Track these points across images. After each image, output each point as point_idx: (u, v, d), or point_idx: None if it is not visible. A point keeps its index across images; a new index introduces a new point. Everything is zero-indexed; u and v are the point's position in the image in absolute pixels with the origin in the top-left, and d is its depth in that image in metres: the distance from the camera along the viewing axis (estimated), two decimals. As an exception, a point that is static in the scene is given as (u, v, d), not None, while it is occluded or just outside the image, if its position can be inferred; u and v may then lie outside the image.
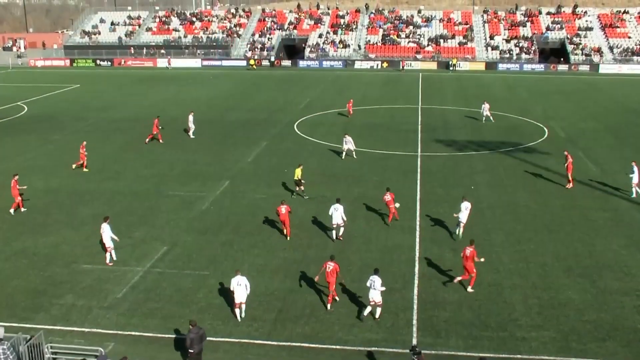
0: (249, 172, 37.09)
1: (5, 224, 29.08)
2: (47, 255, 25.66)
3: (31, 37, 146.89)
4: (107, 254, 24.92)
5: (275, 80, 78.55)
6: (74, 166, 38.17)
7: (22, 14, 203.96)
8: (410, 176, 36.21)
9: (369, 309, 20.66)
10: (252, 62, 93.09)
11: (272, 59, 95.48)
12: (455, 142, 44.64)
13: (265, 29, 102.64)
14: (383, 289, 20.42)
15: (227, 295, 22.02)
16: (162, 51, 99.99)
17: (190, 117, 46.71)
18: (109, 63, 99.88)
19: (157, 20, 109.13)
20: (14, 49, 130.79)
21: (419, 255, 25.45)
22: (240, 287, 20.59)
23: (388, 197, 28.61)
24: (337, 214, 26.53)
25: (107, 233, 24.79)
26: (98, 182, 35.45)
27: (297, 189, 32.49)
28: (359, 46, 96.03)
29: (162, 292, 22.48)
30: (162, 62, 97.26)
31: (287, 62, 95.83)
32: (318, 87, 71.49)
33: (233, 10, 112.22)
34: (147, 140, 44.87)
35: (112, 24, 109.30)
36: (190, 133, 46.55)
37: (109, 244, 24.83)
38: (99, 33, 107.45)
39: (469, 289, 22.44)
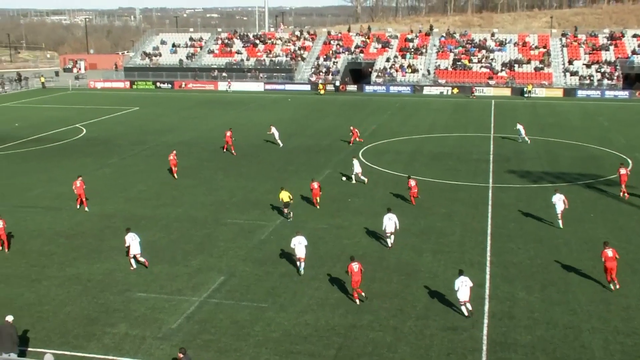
0: (310, 201, 37.33)
1: (60, 249, 30.03)
2: (101, 281, 26.34)
3: (91, 58, 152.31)
4: (132, 260, 27.62)
5: (340, 106, 79.14)
6: (172, 169, 43.25)
7: (83, 34, 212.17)
8: (481, 209, 35.78)
9: (464, 309, 23.00)
10: (320, 87, 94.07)
11: (337, 83, 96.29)
12: (529, 173, 43.95)
13: (331, 52, 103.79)
14: (471, 284, 23.13)
15: (285, 329, 22.14)
16: (224, 74, 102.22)
17: (273, 129, 54.02)
18: (169, 85, 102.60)
19: (219, 42, 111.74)
20: (74, 70, 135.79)
21: (489, 293, 25.05)
22: (300, 245, 26.51)
23: (412, 183, 36.31)
24: (391, 222, 29.40)
25: (136, 241, 27.63)
26: (154, 208, 36.30)
27: (286, 211, 34.10)
28: (428, 71, 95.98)
29: (218, 324, 22.74)
30: (223, 86, 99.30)
31: (352, 87, 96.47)
32: (384, 113, 71.67)
33: (297, 33, 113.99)
34: (224, 149, 50.87)
35: (174, 45, 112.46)
36: (278, 139, 53.72)
37: (137, 251, 27.57)
38: (160, 55, 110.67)
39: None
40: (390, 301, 24.35)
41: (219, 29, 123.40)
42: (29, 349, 21.04)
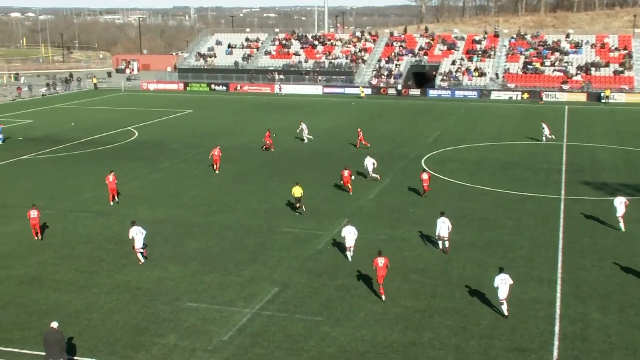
0: (369, 211, 37.28)
1: (109, 255, 30.66)
2: (150, 290, 26.79)
3: (144, 58, 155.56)
4: (140, 255, 29.62)
5: (401, 111, 78.91)
6: (264, 148, 51.02)
7: (136, 34, 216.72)
8: (552, 222, 35.11)
9: (504, 308, 24.01)
10: (361, 90, 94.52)
11: (399, 87, 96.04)
12: (605, 184, 42.95)
13: (393, 54, 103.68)
14: (511, 282, 24.24)
15: (341, 344, 22.12)
16: (281, 76, 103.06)
17: (303, 125, 58.15)
18: (224, 88, 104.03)
19: (277, 43, 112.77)
20: (127, 71, 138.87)
21: (560, 313, 24.52)
22: (350, 234, 29.38)
23: (425, 176, 39.82)
24: (445, 226, 30.47)
25: (140, 235, 29.51)
26: (207, 215, 36.79)
27: (298, 205, 36.82)
28: (497, 75, 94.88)
29: (271, 338, 22.86)
30: (278, 89, 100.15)
31: (415, 91, 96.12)
32: (449, 119, 71.13)
33: (358, 34, 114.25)
34: (264, 148, 53.57)
35: (229, 46, 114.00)
36: (305, 135, 57.99)
37: (139, 245, 29.53)
38: (215, 56, 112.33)
39: None
40: (452, 318, 24.08)
41: (277, 30, 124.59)
42: (76, 357, 21.51)
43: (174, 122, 70.52)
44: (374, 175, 43.78)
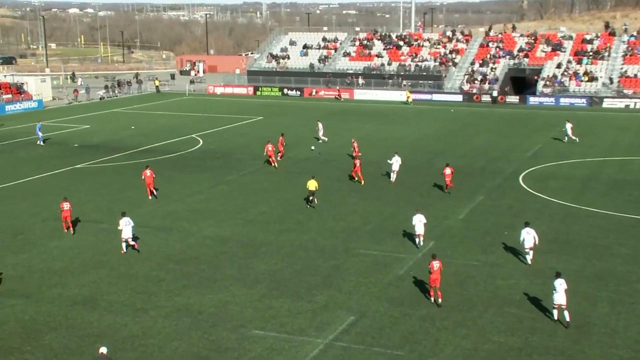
0: (458, 232, 36.96)
1: (169, 275, 31.27)
2: (213, 314, 27.17)
3: (211, 59, 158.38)
4: (124, 244, 33.66)
5: (497, 120, 78.03)
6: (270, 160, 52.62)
7: (202, 32, 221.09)
8: (675, 251, 34.09)
9: (556, 312, 25.78)
10: (407, 94, 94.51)
11: (495, 93, 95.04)
12: None
13: (489, 56, 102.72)
14: (566, 287, 25.80)
15: (423, 384, 21.95)
16: (361, 80, 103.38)
17: (320, 125, 63.69)
18: (298, 93, 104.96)
19: (357, 43, 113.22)
20: (192, 73, 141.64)
21: (684, 358, 23.73)
22: (420, 223, 34.14)
23: (448, 171, 43.88)
24: (530, 237, 31.75)
25: (129, 226, 33.50)
26: (277, 233, 37.14)
27: (311, 198, 41.67)
28: (611, 79, 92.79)
29: (345, 372, 22.87)
30: (359, 94, 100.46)
31: (513, 98, 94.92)
32: (552, 131, 69.91)
33: (449, 33, 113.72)
34: (279, 157, 54.98)
35: (304, 47, 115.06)
36: (320, 136, 63.33)
37: (129, 235, 33.54)
38: (288, 57, 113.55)
39: None
40: (554, 359, 23.61)
41: (357, 28, 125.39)
42: (132, 386, 22.01)
43: (242, 130, 71.54)
44: (394, 176, 48.26)
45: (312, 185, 41.70)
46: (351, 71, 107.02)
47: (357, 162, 48.18)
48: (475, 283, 29.99)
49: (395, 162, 48.53)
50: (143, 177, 44.18)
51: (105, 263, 32.71)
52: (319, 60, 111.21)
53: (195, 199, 44.35)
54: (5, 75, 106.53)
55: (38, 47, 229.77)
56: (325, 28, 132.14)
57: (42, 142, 64.18)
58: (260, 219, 39.89)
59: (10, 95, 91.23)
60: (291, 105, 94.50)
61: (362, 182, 47.45)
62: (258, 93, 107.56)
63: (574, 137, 63.12)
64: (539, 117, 80.00)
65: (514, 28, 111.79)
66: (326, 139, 63.86)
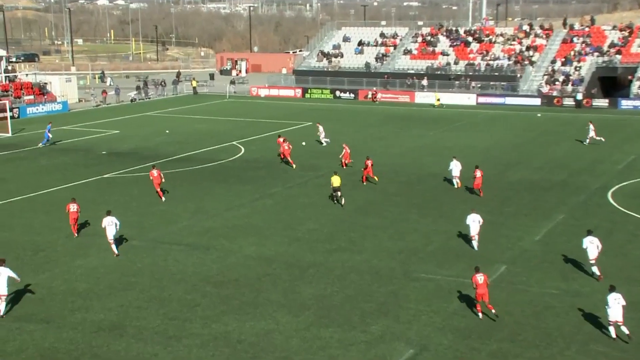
0: (535, 256, 36.56)
1: (205, 299, 31.44)
2: (254, 344, 27.22)
3: (255, 57, 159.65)
4: (113, 246, 36.46)
5: (581, 127, 76.96)
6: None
7: (245, 28, 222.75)
8: None
9: (613, 330, 26.88)
10: (437, 98, 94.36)
11: (579, 96, 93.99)
12: None
13: (573, 53, 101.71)
14: (624, 303, 26.92)
15: None
16: (423, 82, 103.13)
17: (321, 128, 67.03)
18: (352, 95, 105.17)
19: (420, 40, 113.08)
20: (233, 72, 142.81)
21: None
22: (475, 223, 36.61)
23: (479, 173, 47.07)
24: (593, 247, 32.84)
25: (112, 226, 36.21)
26: (326, 253, 37.16)
27: (337, 194, 45.10)
28: None
29: (402, 413, 22.77)
30: (420, 97, 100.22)
31: (601, 102, 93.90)
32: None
33: (526, 27, 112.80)
34: (282, 158, 58.30)
35: (360, 43, 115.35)
36: (322, 139, 66.54)
37: (111, 237, 36.31)
38: (341, 55, 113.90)
39: None
40: (645, 403, 23.24)
41: (420, 23, 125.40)
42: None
43: (289, 137, 71.61)
44: (457, 180, 50.00)
45: (336, 181, 44.94)
46: (412, 71, 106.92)
47: (369, 162, 50.89)
48: (555, 315, 29.56)
49: (455, 167, 50.02)
50: (150, 177, 47.28)
51: (135, 285, 33.03)
52: (376, 59, 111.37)
53: (235, 213, 44.65)
54: (27, 74, 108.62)
55: (63, 43, 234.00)
56: (383, 22, 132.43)
57: (44, 144, 66.03)
58: (308, 237, 39.99)
59: (32, 97, 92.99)
60: (344, 109, 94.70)
61: (376, 179, 51.20)
62: (307, 95, 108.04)
63: (598, 138, 65.91)
64: (633, 124, 78.96)
65: (592, 21, 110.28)
66: (329, 140, 66.85)
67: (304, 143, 65.12)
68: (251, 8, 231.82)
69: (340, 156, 56.80)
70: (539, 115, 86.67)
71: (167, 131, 74.76)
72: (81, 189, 50.91)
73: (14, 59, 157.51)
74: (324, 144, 66.59)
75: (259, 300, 31.17)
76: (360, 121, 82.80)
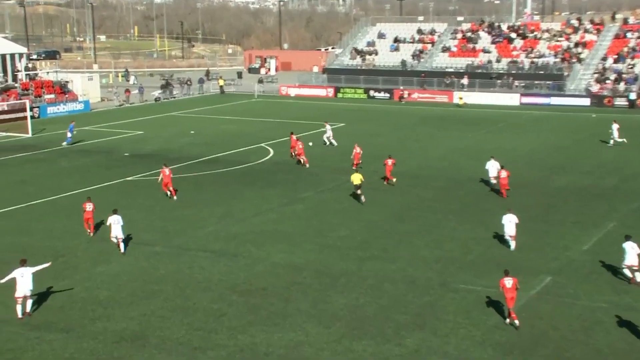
0: (583, 267, 36.21)
1: (232, 308, 31.44)
2: (283, 357, 27.17)
3: (285, 55, 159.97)
4: (122, 245, 37.84)
5: (636, 129, 76.36)
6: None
7: (275, 23, 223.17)
8: None
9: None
10: (460, 97, 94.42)
11: (633, 96, 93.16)
12: None
13: (626, 49, 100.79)
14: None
15: None
16: (463, 81, 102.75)
17: (328, 127, 68.21)
18: (387, 95, 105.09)
19: (459, 36, 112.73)
20: (262, 70, 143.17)
21: None
22: (511, 223, 37.80)
23: (504, 174, 47.97)
24: (633, 252, 33.47)
25: (118, 225, 37.67)
26: (359, 261, 37.06)
27: (359, 192, 46.78)
28: None
29: None
30: (460, 96, 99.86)
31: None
32: None
33: (574, 22, 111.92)
34: (293, 155, 60.52)
35: (396, 40, 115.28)
36: (325, 138, 67.57)
37: (120, 235, 37.75)
38: (376, 53, 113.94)
39: None
40: None
41: (459, 18, 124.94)
42: None
43: (321, 139, 71.76)
44: (493, 181, 50.73)
45: (356, 178, 46.78)
46: (451, 69, 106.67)
47: (390, 161, 52.07)
48: (605, 331, 29.22)
49: (492, 167, 50.57)
50: (161, 176, 48.71)
51: (158, 293, 33.11)
52: (413, 57, 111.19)
53: (264, 219, 44.68)
54: (47, 72, 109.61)
55: (85, 40, 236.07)
56: (420, 18, 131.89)
57: (68, 143, 67.06)
58: (340, 244, 39.90)
59: (53, 96, 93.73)
60: (378, 110, 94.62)
61: (394, 180, 52.03)
62: (339, 95, 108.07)
63: (620, 140, 66.78)
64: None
65: (625, 21, 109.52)
66: (335, 142, 67.73)
67: (310, 143, 65.47)
68: (281, 3, 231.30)
69: (351, 156, 57.29)
70: (594, 115, 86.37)
71: (193, 132, 75.13)
72: (103, 192, 51.15)
73: (34, 57, 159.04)
74: (327, 143, 67.97)
75: (288, 311, 31.12)
76: (395, 122, 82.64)
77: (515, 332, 29.12)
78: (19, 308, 30.19)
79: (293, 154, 60.77)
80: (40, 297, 31.95)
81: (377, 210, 46.25)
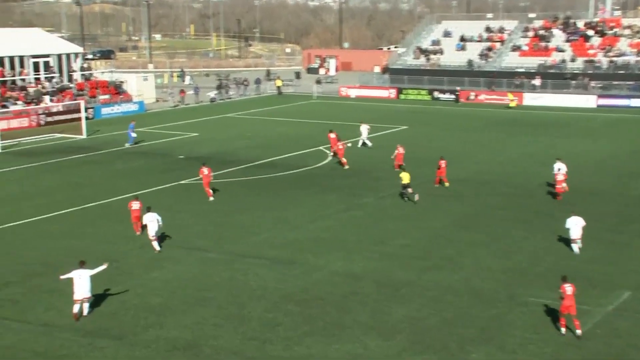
0: (649, 282, 35.69)
1: (287, 318, 31.49)
2: (340, 369, 27.25)
3: (345, 54, 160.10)
4: (155, 243, 38.94)
5: None
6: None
7: (335, 22, 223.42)
8: None
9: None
10: (510, 98, 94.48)
11: None
12: None
13: None
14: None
15: None
16: (534, 82, 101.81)
17: (363, 128, 68.93)
18: (452, 96, 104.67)
19: (531, 34, 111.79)
20: (321, 70, 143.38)
21: None
22: (577, 226, 38.31)
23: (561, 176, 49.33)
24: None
25: (154, 223, 38.65)
26: (420, 271, 36.92)
27: (407, 191, 48.53)
28: None
29: None
30: (529, 98, 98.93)
31: None
32: None
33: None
34: (332, 154, 62.14)
35: (462, 39, 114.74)
36: (361, 140, 68.35)
37: (152, 234, 38.69)
38: (442, 52, 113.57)
39: None
40: None
41: (531, 15, 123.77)
42: None
43: (382, 142, 71.57)
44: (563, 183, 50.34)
45: (405, 177, 48.64)
46: (522, 69, 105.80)
47: (443, 162, 52.87)
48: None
49: (559, 170, 50.43)
50: (200, 175, 50.44)
51: (212, 300, 33.31)
52: (480, 56, 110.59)
53: (321, 225, 44.75)
54: (102, 72, 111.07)
55: (140, 39, 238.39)
56: (489, 15, 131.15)
57: (131, 143, 68.10)
58: (400, 253, 39.79)
59: (107, 96, 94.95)
60: (443, 112, 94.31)
61: (447, 184, 52.79)
62: (402, 96, 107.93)
63: None
64: None
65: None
66: (370, 143, 69.09)
67: (349, 144, 65.53)
68: (342, 0, 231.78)
69: (392, 157, 58.08)
70: None
71: (249, 134, 75.48)
72: (157, 195, 51.60)
73: (89, 56, 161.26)
74: (361, 144, 68.97)
75: (346, 322, 31.08)
76: (460, 125, 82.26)
77: (590, 350, 28.68)
78: (76, 307, 30.88)
79: (333, 153, 62.31)
80: (93, 303, 32.31)
81: (439, 217, 46.07)
